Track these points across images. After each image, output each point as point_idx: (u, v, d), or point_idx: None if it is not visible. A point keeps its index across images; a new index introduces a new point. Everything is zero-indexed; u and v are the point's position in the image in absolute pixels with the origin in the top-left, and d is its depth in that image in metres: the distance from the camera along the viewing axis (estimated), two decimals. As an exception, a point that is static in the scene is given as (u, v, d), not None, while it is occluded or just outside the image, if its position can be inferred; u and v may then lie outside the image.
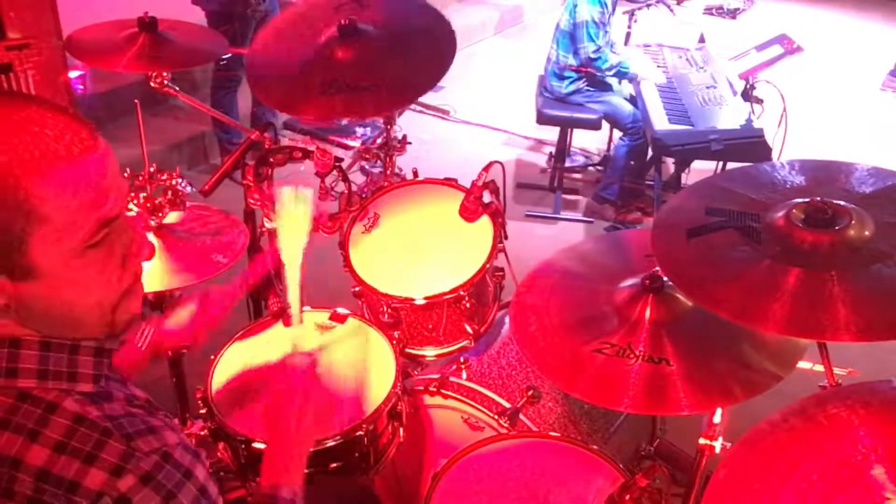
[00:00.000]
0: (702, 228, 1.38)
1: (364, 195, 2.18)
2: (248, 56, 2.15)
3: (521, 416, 1.84)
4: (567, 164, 4.58)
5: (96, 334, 0.92)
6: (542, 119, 4.32)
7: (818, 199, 1.31)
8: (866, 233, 1.28)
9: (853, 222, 1.28)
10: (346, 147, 4.76)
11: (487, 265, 1.94)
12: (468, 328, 1.99)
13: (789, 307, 1.20)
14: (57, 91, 2.64)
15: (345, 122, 5.08)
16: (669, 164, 4.38)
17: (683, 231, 1.39)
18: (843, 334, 1.15)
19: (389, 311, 1.95)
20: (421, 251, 2.02)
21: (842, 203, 1.31)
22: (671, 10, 4.75)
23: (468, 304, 1.93)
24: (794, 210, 1.32)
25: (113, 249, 0.89)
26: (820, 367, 1.42)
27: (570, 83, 4.23)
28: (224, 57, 2.50)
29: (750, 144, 3.44)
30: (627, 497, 1.36)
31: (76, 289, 0.87)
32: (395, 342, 1.82)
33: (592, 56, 4.02)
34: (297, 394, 1.24)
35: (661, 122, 3.65)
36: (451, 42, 2.16)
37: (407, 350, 2.02)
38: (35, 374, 0.85)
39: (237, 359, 1.78)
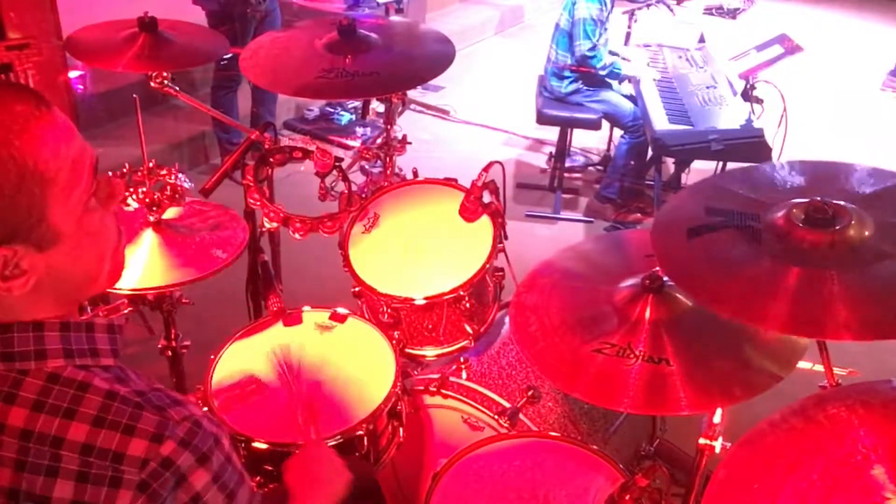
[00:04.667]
0: (702, 228, 1.38)
1: (364, 195, 2.18)
2: (241, 55, 2.15)
3: (521, 416, 1.84)
4: (567, 164, 4.58)
5: (102, 288, 0.96)
6: (542, 119, 4.32)
7: (818, 198, 1.31)
8: (866, 233, 1.28)
9: (853, 222, 1.28)
10: (346, 147, 4.77)
11: (487, 265, 1.94)
12: (468, 328, 1.99)
13: (789, 306, 1.20)
14: (57, 91, 2.64)
15: (345, 121, 5.09)
16: (669, 164, 4.38)
17: (683, 231, 1.39)
18: (842, 333, 1.15)
19: (389, 311, 1.95)
20: (421, 251, 2.02)
21: (842, 203, 1.31)
22: (671, 10, 4.75)
23: (468, 304, 1.93)
24: (794, 210, 1.32)
25: (101, 196, 0.92)
26: (820, 367, 1.42)
27: (570, 83, 4.23)
28: (224, 57, 2.50)
29: (750, 144, 3.44)
30: (627, 497, 1.36)
31: (90, 243, 0.90)
32: (395, 342, 1.82)
33: (588, 54, 4.02)
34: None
35: (661, 121, 3.65)
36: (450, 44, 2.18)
37: (407, 350, 2.02)
38: (62, 353, 0.87)
39: (237, 358, 1.78)
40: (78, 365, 0.88)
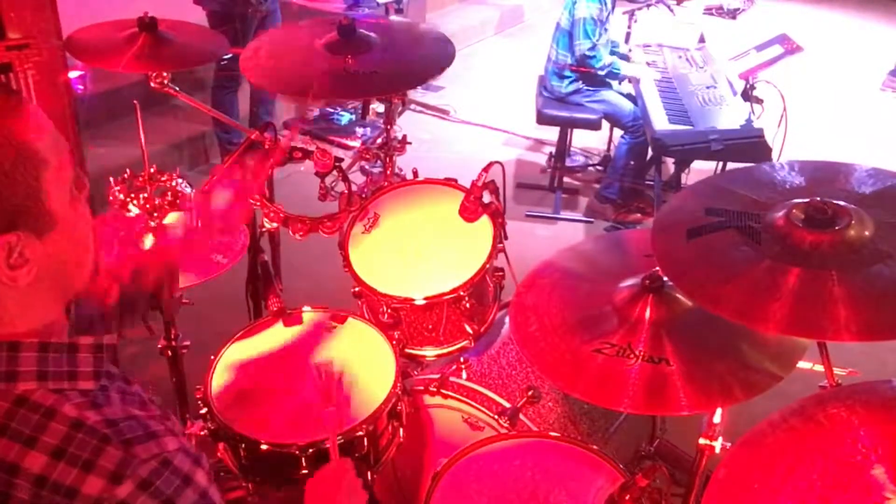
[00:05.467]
0: (702, 228, 1.38)
1: (364, 195, 2.18)
2: (241, 56, 2.15)
3: (521, 416, 1.84)
4: (567, 164, 4.58)
5: (88, 281, 0.96)
6: (542, 119, 4.32)
7: (818, 199, 1.31)
8: (866, 233, 1.27)
9: (853, 222, 1.28)
10: (346, 147, 4.77)
11: (487, 265, 1.94)
12: (468, 328, 1.99)
13: (789, 307, 1.19)
14: (57, 91, 2.64)
15: (345, 121, 5.09)
16: (669, 164, 4.38)
17: (683, 231, 1.39)
18: (843, 334, 1.14)
19: (389, 311, 1.95)
20: (421, 251, 2.02)
21: (842, 203, 1.31)
22: (671, 10, 4.75)
23: (468, 304, 1.93)
24: (794, 210, 1.32)
25: (77, 183, 0.92)
26: (820, 367, 1.42)
27: (570, 83, 4.23)
28: (224, 57, 2.50)
29: (750, 144, 3.43)
30: (627, 497, 1.36)
31: (79, 230, 0.91)
32: (395, 342, 1.82)
33: (588, 54, 4.02)
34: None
35: (661, 122, 3.65)
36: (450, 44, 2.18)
37: (407, 350, 2.02)
38: (35, 375, 0.84)
39: (237, 359, 1.78)
40: (51, 388, 0.85)
